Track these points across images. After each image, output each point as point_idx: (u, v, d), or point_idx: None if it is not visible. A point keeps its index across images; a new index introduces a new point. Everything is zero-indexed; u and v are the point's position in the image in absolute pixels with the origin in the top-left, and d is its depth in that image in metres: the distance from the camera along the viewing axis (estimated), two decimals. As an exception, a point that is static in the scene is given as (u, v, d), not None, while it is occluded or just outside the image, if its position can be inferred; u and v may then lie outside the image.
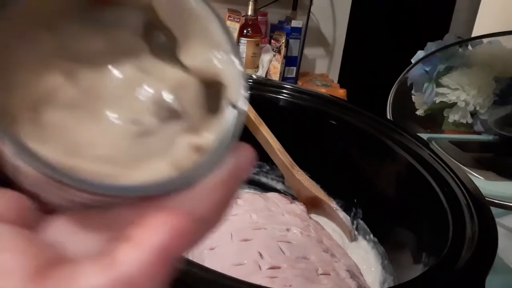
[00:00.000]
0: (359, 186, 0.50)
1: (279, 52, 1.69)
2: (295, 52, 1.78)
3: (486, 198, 0.38)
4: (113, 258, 0.13)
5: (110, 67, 0.16)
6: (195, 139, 0.16)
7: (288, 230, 0.41)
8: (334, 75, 2.00)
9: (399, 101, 0.79)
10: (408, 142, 0.46)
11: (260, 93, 0.54)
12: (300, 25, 1.76)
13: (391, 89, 0.80)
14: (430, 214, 0.39)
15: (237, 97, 0.16)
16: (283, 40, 1.69)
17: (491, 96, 0.78)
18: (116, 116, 0.15)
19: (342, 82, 1.90)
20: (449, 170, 0.41)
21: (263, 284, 0.26)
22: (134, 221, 0.14)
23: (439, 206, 0.38)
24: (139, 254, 0.13)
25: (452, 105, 0.79)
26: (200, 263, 0.26)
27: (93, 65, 0.16)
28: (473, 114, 0.79)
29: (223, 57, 0.16)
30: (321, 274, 0.36)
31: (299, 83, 1.77)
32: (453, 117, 0.80)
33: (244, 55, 1.64)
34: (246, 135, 0.54)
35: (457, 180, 0.40)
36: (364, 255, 0.46)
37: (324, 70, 2.01)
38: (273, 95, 0.54)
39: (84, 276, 0.13)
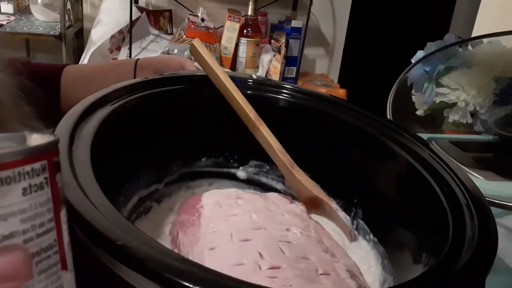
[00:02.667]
0: (359, 186, 0.50)
1: (279, 52, 1.69)
2: (295, 52, 1.78)
3: (486, 198, 0.38)
4: None
5: None
6: None
7: (288, 230, 0.41)
8: (334, 75, 2.00)
9: (399, 101, 0.79)
10: (408, 142, 0.46)
11: (260, 93, 0.54)
12: (300, 25, 1.76)
13: (391, 89, 0.80)
14: (430, 214, 0.39)
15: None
16: (283, 40, 1.69)
17: (491, 96, 0.78)
18: None
19: (342, 82, 1.90)
20: (449, 170, 0.41)
21: (263, 284, 0.26)
22: None
23: (439, 206, 0.38)
24: None
25: (452, 105, 0.79)
26: (200, 263, 0.26)
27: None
28: (473, 114, 0.79)
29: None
30: (321, 274, 0.36)
31: (299, 83, 1.77)
32: (453, 117, 0.80)
33: (244, 55, 1.65)
34: (246, 135, 0.55)
35: (457, 180, 0.40)
36: (364, 255, 0.46)
37: (324, 70, 2.01)
38: (273, 95, 0.54)
39: None
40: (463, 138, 0.80)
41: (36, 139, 0.21)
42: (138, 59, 0.71)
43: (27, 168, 0.19)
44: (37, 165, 0.19)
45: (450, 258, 0.31)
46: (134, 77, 0.68)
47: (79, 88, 0.41)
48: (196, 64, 0.66)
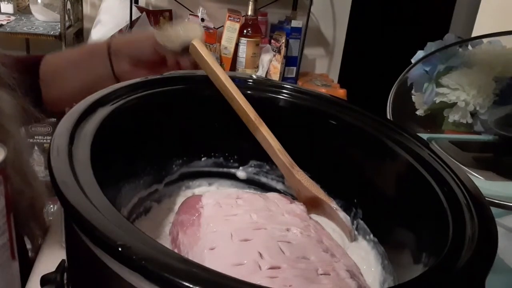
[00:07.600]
0: (359, 186, 0.50)
1: (279, 52, 1.69)
2: (295, 52, 1.78)
3: (486, 198, 0.38)
4: None
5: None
6: None
7: (288, 230, 0.41)
8: (334, 75, 2.00)
9: (399, 101, 0.79)
10: (408, 142, 0.46)
11: (260, 93, 0.54)
12: (300, 25, 1.76)
13: (391, 89, 0.80)
14: (430, 214, 0.39)
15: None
16: (283, 40, 1.69)
17: (491, 96, 0.78)
18: None
19: (342, 82, 1.90)
20: (449, 170, 0.41)
21: (263, 284, 0.26)
22: None
23: (439, 206, 0.38)
24: None
25: (452, 105, 0.79)
26: (200, 263, 0.26)
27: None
28: (473, 114, 0.79)
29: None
30: (321, 274, 0.36)
31: (299, 83, 1.77)
32: (453, 117, 0.80)
33: (244, 55, 1.65)
34: (246, 135, 0.55)
35: (457, 180, 0.40)
36: (364, 255, 0.46)
37: (324, 70, 2.01)
38: (273, 95, 0.54)
39: None
40: (463, 138, 0.80)
41: None
42: (110, 43, 0.70)
43: None
44: None
45: (450, 258, 0.31)
46: (111, 66, 0.70)
47: (57, 79, 0.42)
48: (162, 35, 0.62)
